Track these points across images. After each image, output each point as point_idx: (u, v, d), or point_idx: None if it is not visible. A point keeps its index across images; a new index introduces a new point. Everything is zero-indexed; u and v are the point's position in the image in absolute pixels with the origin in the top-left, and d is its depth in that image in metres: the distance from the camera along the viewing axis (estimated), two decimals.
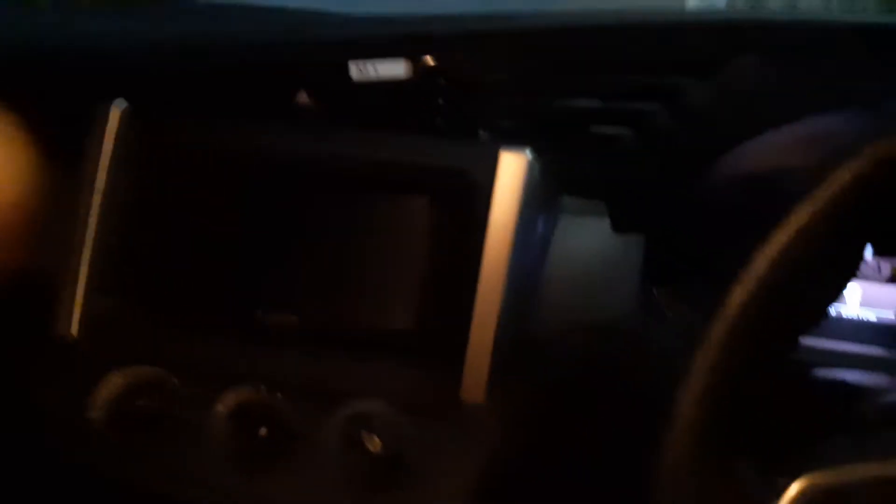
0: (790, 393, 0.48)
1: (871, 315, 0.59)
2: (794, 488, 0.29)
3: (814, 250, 0.29)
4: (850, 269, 0.34)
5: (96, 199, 0.56)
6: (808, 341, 0.58)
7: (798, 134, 0.52)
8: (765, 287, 0.28)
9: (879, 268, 0.59)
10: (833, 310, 0.58)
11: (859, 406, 0.44)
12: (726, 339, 0.29)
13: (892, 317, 0.58)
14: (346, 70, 0.57)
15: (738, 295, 0.29)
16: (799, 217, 0.28)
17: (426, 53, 0.57)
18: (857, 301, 0.59)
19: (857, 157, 0.28)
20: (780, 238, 0.28)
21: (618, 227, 0.58)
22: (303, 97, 0.58)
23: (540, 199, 0.55)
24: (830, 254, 0.29)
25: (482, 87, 0.57)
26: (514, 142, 0.55)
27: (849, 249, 0.32)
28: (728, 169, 0.56)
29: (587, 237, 0.58)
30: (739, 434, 0.30)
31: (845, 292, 0.58)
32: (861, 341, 0.59)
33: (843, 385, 0.50)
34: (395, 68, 0.56)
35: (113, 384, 0.53)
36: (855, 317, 0.59)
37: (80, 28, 0.71)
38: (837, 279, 0.34)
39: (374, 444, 0.50)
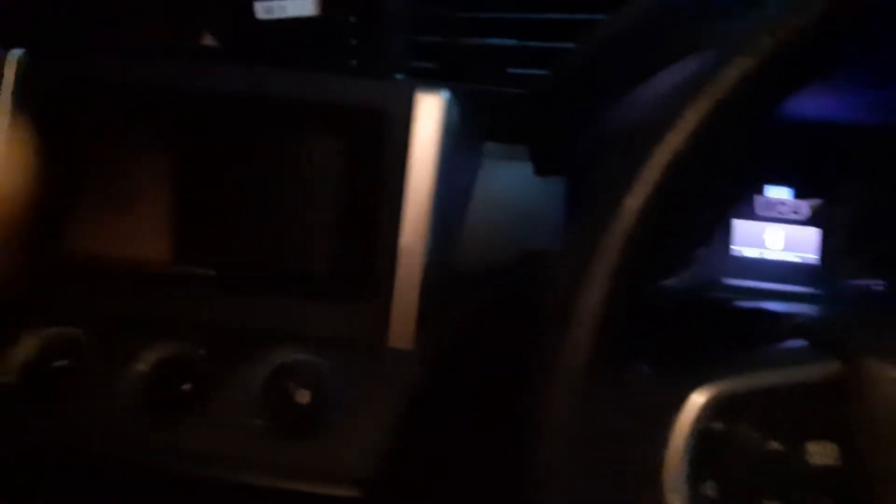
0: (702, 313, 0.50)
1: (793, 257, 0.60)
2: (694, 398, 0.29)
3: (702, 156, 0.29)
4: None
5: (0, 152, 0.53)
6: (733, 281, 0.59)
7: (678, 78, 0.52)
8: (658, 191, 0.29)
9: (799, 209, 0.60)
10: (758, 252, 0.60)
11: (770, 326, 0.45)
12: (623, 243, 0.29)
13: (814, 257, 0.59)
14: (250, 9, 0.54)
15: (636, 196, 0.29)
16: (687, 121, 0.28)
17: None
18: (780, 244, 0.60)
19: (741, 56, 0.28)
20: (672, 141, 0.29)
21: (539, 170, 0.58)
22: (207, 37, 0.55)
23: (459, 140, 0.54)
24: (716, 159, 0.30)
25: (395, 26, 0.56)
26: (430, 84, 0.54)
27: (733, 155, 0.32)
28: (626, 113, 0.56)
29: (509, 180, 0.58)
30: (641, 345, 0.30)
31: (768, 235, 0.59)
32: (784, 281, 0.60)
33: (759, 311, 0.51)
34: (302, 6, 0.54)
35: (26, 345, 0.50)
36: (778, 259, 0.60)
37: None
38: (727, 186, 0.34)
39: (302, 395, 0.50)
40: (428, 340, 0.52)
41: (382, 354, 0.52)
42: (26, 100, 0.54)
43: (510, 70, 0.59)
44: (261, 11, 0.54)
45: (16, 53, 0.54)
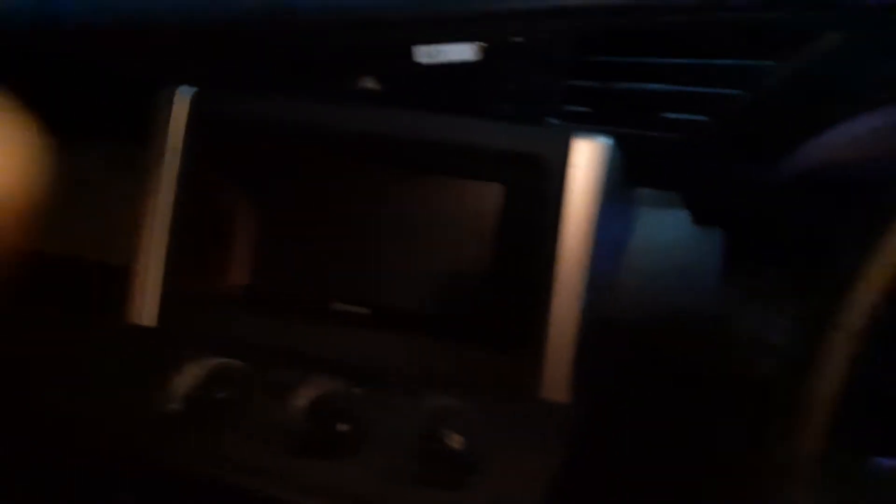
0: None
1: None
2: None
3: None
4: None
5: (168, 187, 0.55)
6: None
7: (879, 124, 0.49)
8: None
9: None
10: None
11: None
12: (859, 334, 0.27)
13: None
14: (410, 53, 0.55)
15: (871, 286, 0.27)
16: None
17: (495, 36, 0.55)
18: None
19: None
20: None
21: (697, 219, 0.56)
22: (368, 81, 0.56)
23: (617, 187, 0.53)
24: None
25: (551, 70, 0.55)
26: (586, 129, 0.53)
27: None
28: (808, 158, 0.53)
29: (664, 229, 0.56)
30: (879, 437, 0.28)
31: None
32: None
33: None
34: (462, 51, 0.54)
35: (190, 375, 0.52)
36: None
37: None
38: None
39: (456, 441, 0.49)
40: (581, 392, 0.51)
41: (535, 405, 0.51)
42: (195, 136, 0.56)
43: (665, 115, 0.57)
44: (421, 56, 0.54)
45: (187, 91, 0.57)
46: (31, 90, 0.66)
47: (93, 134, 0.63)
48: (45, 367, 0.64)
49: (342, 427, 0.51)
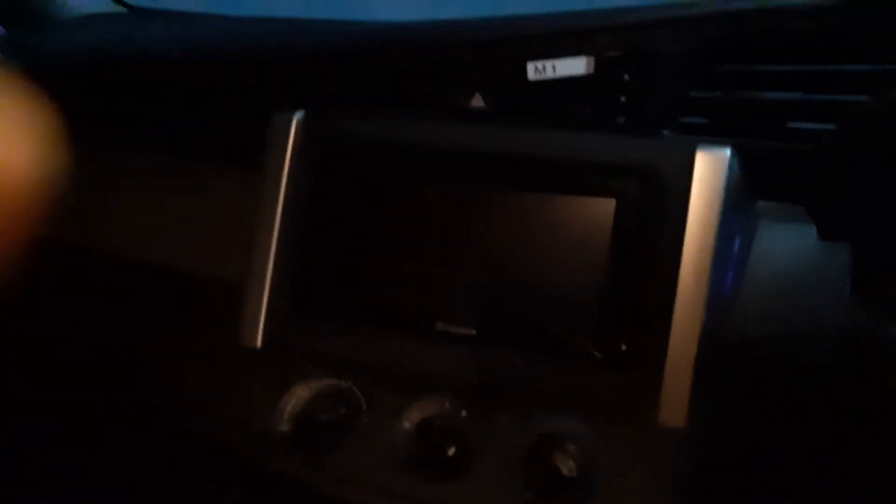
0: None
1: None
2: None
3: None
4: None
5: (280, 210, 0.56)
6: None
7: None
8: None
9: None
10: None
11: None
12: None
13: None
14: (522, 70, 0.54)
15: None
16: None
17: (606, 49, 0.54)
18: None
19: None
20: None
21: (823, 233, 0.53)
22: (477, 98, 0.56)
23: (740, 201, 0.50)
24: None
25: (667, 81, 0.53)
26: (706, 140, 0.51)
27: None
28: None
29: (789, 244, 0.53)
30: None
31: None
32: None
33: None
34: (574, 66, 0.53)
35: (298, 396, 0.52)
36: None
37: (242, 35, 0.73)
38: None
39: (569, 466, 0.47)
40: (700, 418, 0.49)
41: (651, 430, 0.49)
42: (306, 158, 0.57)
43: (791, 125, 0.54)
44: (532, 72, 0.53)
45: (297, 114, 0.58)
46: (146, 116, 0.69)
47: (208, 158, 0.64)
48: (160, 382, 0.66)
49: (450, 448, 0.51)
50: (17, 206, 0.37)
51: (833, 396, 0.51)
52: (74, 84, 0.72)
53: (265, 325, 0.55)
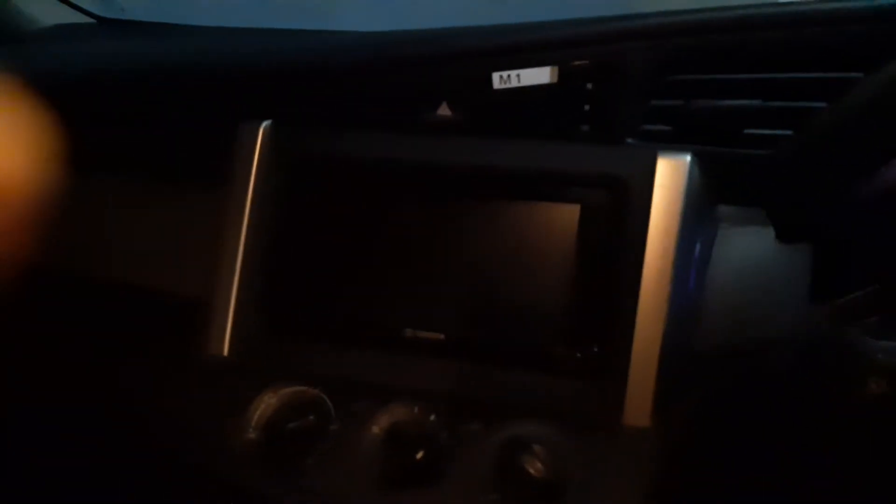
0: None
1: None
2: None
3: None
4: None
5: (246, 219, 0.56)
6: None
7: None
8: None
9: None
10: None
11: None
12: None
13: None
14: (487, 79, 0.55)
15: None
16: None
17: (570, 59, 0.54)
18: None
19: None
20: None
21: (782, 236, 0.54)
22: (443, 108, 0.56)
23: (700, 206, 0.52)
24: None
25: (630, 90, 0.54)
26: (666, 147, 0.52)
27: None
28: None
29: (748, 248, 0.54)
30: None
31: None
32: None
33: None
34: (539, 75, 0.54)
35: (266, 404, 0.52)
36: None
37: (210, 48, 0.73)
38: None
39: (537, 468, 0.48)
40: (666, 419, 0.49)
41: (620, 433, 0.49)
42: (271, 169, 0.57)
43: (747, 131, 0.55)
44: (497, 81, 0.54)
45: (265, 125, 0.58)
46: (113, 131, 0.68)
47: (171, 172, 0.64)
48: (128, 396, 0.65)
49: (419, 455, 0.51)
50: None
51: (797, 401, 0.52)
52: (41, 98, 0.71)
53: (232, 334, 0.55)
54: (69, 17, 0.92)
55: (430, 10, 0.74)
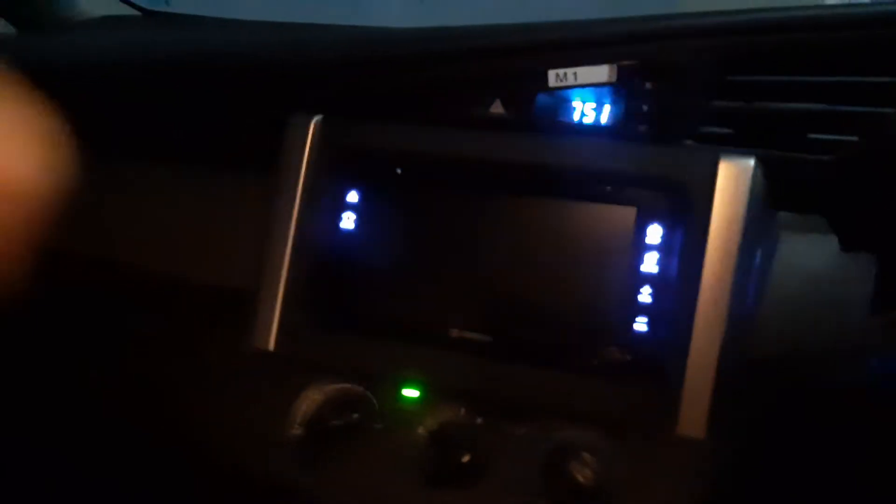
0: None
1: None
2: None
3: None
4: None
5: (295, 213, 0.55)
6: None
7: None
8: None
9: None
10: None
11: None
12: None
13: None
14: (543, 77, 0.54)
15: None
16: None
17: (628, 58, 0.53)
18: None
19: None
20: None
21: (846, 245, 0.52)
22: (497, 106, 0.55)
23: (762, 212, 0.50)
24: None
25: (690, 91, 0.53)
26: (727, 150, 0.51)
27: None
28: None
29: (811, 256, 0.53)
30: None
31: None
32: None
33: None
34: (596, 73, 0.53)
35: (311, 400, 0.52)
36: None
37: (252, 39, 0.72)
38: None
39: (585, 475, 0.47)
40: (721, 430, 0.48)
41: (671, 441, 0.48)
42: (321, 163, 0.56)
43: (811, 136, 0.54)
44: (553, 79, 0.53)
45: (315, 118, 0.57)
46: (158, 121, 0.68)
47: (219, 163, 0.64)
48: (172, 388, 0.65)
49: (465, 456, 0.50)
50: (23, 213, 0.36)
51: (860, 418, 0.50)
52: (85, 88, 0.71)
53: (278, 329, 0.55)
54: (116, 9, 0.93)
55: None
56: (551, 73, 0.53)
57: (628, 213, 0.50)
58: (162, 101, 0.69)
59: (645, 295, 0.49)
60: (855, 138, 0.52)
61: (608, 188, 0.51)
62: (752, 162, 0.49)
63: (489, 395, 0.51)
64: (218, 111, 0.67)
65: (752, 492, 0.51)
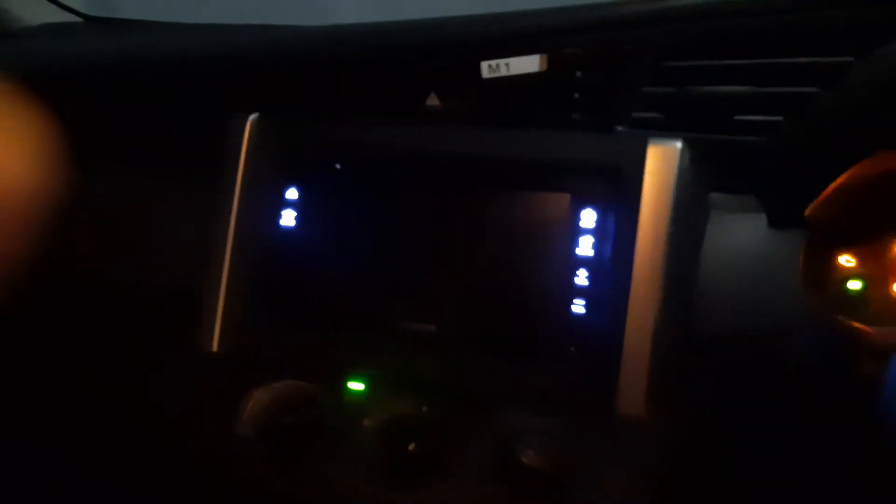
0: None
1: None
2: None
3: None
4: None
5: (234, 212, 0.56)
6: None
7: None
8: None
9: None
10: None
11: None
12: None
13: None
14: (476, 69, 0.54)
15: None
16: None
17: (560, 47, 0.54)
18: None
19: None
20: None
21: (775, 222, 0.54)
22: (432, 98, 0.56)
23: (692, 193, 0.51)
24: None
25: (623, 78, 0.54)
26: (656, 134, 0.52)
27: None
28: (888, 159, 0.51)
29: (741, 234, 0.54)
30: None
31: None
32: None
33: None
34: (528, 64, 0.54)
35: (258, 399, 0.52)
36: None
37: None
38: None
39: (536, 459, 0.47)
40: (664, 409, 0.49)
41: (616, 421, 0.49)
42: (260, 161, 0.56)
43: (738, 117, 0.55)
44: (486, 70, 0.54)
45: (252, 116, 0.57)
46: (103, 126, 0.68)
47: (159, 164, 0.64)
48: (121, 393, 0.64)
49: (411, 447, 0.50)
50: None
51: (797, 389, 0.52)
52: (31, 95, 0.70)
53: (221, 329, 0.55)
54: (55, 16, 0.92)
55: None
56: (484, 65, 0.54)
57: (563, 200, 0.51)
58: (102, 107, 0.68)
59: (581, 278, 0.50)
60: (780, 118, 0.54)
61: (542, 176, 0.52)
62: (679, 145, 0.50)
63: (435, 384, 0.52)
64: (164, 115, 0.66)
65: (706, 470, 0.52)
